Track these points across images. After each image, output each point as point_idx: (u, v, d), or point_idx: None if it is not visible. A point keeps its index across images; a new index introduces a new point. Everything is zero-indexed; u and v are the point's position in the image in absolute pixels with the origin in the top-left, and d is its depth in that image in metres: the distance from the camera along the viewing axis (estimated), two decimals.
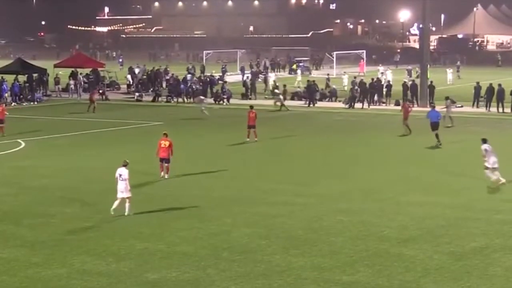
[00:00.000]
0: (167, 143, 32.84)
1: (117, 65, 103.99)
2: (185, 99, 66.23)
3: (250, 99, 67.09)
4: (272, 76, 78.26)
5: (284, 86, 65.35)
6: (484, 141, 31.83)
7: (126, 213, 26.66)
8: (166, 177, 32.89)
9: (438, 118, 43.17)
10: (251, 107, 45.12)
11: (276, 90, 64.24)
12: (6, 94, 65.10)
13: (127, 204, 26.72)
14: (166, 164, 32.99)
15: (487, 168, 31.37)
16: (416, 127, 46.62)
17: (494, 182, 31.28)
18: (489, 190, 31.07)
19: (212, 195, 30.25)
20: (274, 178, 33.80)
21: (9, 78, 67.63)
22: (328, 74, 76.04)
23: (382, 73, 79.20)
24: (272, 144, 43.20)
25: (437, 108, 45.04)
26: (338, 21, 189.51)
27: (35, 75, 71.22)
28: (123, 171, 26.77)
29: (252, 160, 38.79)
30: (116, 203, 26.70)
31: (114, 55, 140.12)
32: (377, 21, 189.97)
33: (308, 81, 67.30)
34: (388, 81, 67.91)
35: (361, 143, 43.70)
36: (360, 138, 45.68)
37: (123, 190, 26.65)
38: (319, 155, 39.68)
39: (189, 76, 75.61)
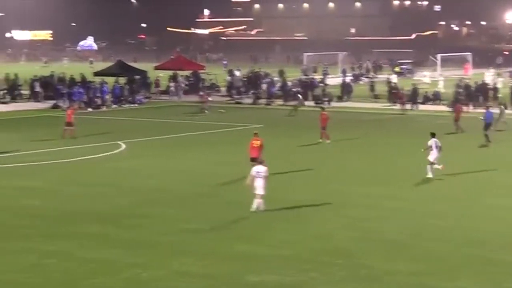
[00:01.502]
0: (258, 142, 33.18)
1: (217, 67, 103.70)
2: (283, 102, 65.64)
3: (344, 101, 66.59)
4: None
5: (402, 89, 63.66)
6: (433, 135, 33.74)
7: (253, 208, 26.89)
8: None
9: (492, 119, 44.30)
10: (323, 109, 46.15)
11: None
12: (107, 96, 65.34)
13: (257, 200, 26.98)
14: (254, 163, 32.49)
15: (430, 162, 33.29)
16: None
17: (430, 174, 33.25)
18: None
19: (308, 197, 29.92)
20: (367, 181, 33.37)
21: (110, 80, 67.98)
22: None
23: (495, 75, 77.01)
24: (366, 147, 42.85)
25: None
26: (443, 22, 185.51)
27: (137, 77, 71.43)
28: (261, 169, 27.11)
29: (347, 162, 38.29)
30: (255, 200, 27.07)
31: (214, 58, 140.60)
32: (483, 22, 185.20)
33: (412, 84, 65.81)
34: (495, 84, 65.87)
35: (456, 147, 42.30)
36: (458, 141, 44.40)
37: (260, 186, 26.95)
38: (412, 158, 38.69)
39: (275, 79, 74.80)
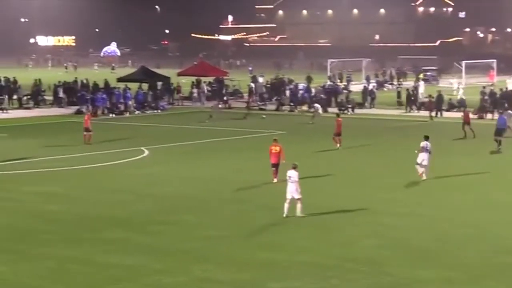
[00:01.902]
0: (277, 149, 33.54)
1: (240, 73, 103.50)
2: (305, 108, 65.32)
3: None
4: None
5: (430, 96, 63.10)
6: (426, 138, 34.75)
7: (297, 214, 27.07)
8: (274, 181, 33.14)
9: (504, 125, 44.23)
10: (338, 115, 46.32)
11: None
12: (130, 102, 65.29)
13: (298, 205, 27.14)
14: (274, 169, 33.53)
15: (417, 163, 34.31)
16: None
17: (419, 175, 34.09)
18: None
19: (331, 204, 29.69)
20: (391, 187, 33.08)
21: (134, 86, 68.06)
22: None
23: None
24: (391, 154, 42.56)
25: None
26: (468, 29, 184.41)
27: (160, 83, 71.41)
28: (292, 173, 27.31)
29: (372, 169, 37.96)
30: (286, 205, 27.15)
31: (238, 64, 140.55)
32: (508, 29, 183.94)
33: (438, 91, 65.21)
34: None
35: (482, 154, 42.20)
36: (484, 148, 43.85)
37: (293, 191, 27.14)
38: (438, 165, 38.04)
39: (301, 85, 74.20)
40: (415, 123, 57.14)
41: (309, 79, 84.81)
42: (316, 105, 60.02)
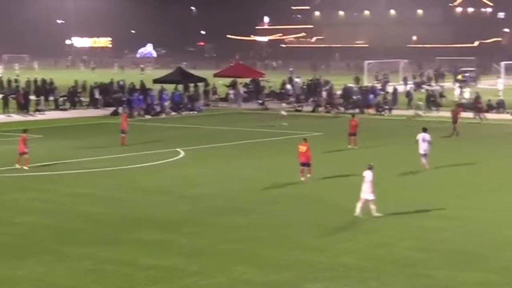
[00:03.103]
0: (304, 148, 34.12)
1: (276, 74, 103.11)
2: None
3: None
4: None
5: (478, 97, 62.29)
6: (424, 130, 37.52)
7: (373, 215, 27.22)
8: (302, 179, 33.86)
9: None
10: (353, 115, 47.32)
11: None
12: (166, 103, 65.27)
13: (371, 207, 27.26)
14: (303, 168, 34.21)
15: (420, 154, 37.05)
16: None
17: (422, 165, 36.74)
18: None
19: (368, 205, 28.90)
20: (432, 190, 32.70)
21: (170, 88, 68.15)
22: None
23: None
24: (432, 156, 41.16)
25: None
26: (507, 30, 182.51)
27: (199, 84, 71.35)
28: (367, 174, 27.50)
29: (408, 170, 37.36)
30: (358, 204, 27.30)
31: (274, 65, 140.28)
32: None
33: (476, 92, 64.47)
34: None
35: None
36: None
37: (366, 191, 27.29)
38: (478, 167, 38.39)
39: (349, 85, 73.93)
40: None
41: (357, 80, 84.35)
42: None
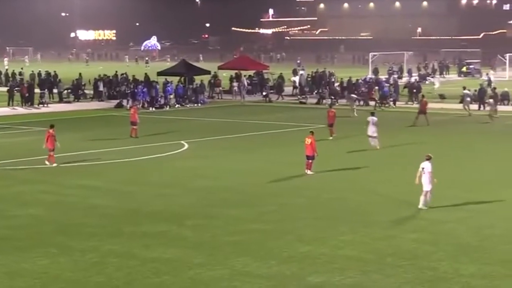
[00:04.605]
0: (309, 141, 33.97)
1: (280, 67, 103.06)
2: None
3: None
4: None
5: (495, 88, 62.08)
6: (372, 114, 41.53)
7: (419, 206, 27.21)
8: (308, 172, 33.78)
9: None
10: (330, 106, 49.87)
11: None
12: (171, 96, 65.20)
13: (421, 197, 27.27)
14: (308, 161, 34.02)
15: (368, 136, 40.55)
16: None
17: (372, 146, 40.10)
18: None
19: (372, 198, 29.54)
20: (440, 183, 31.62)
21: (174, 80, 68.14)
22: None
23: None
24: (436, 149, 41.17)
25: None
26: None
27: (203, 77, 71.18)
28: (426, 165, 27.44)
29: (415, 163, 36.68)
30: (422, 197, 27.33)
31: (278, 57, 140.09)
32: None
33: (480, 84, 64.27)
34: None
35: None
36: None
37: (426, 183, 27.28)
38: (484, 161, 38.28)
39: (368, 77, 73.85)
40: (456, 117, 56.38)
41: (376, 72, 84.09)
42: (353, 95, 60.06)
